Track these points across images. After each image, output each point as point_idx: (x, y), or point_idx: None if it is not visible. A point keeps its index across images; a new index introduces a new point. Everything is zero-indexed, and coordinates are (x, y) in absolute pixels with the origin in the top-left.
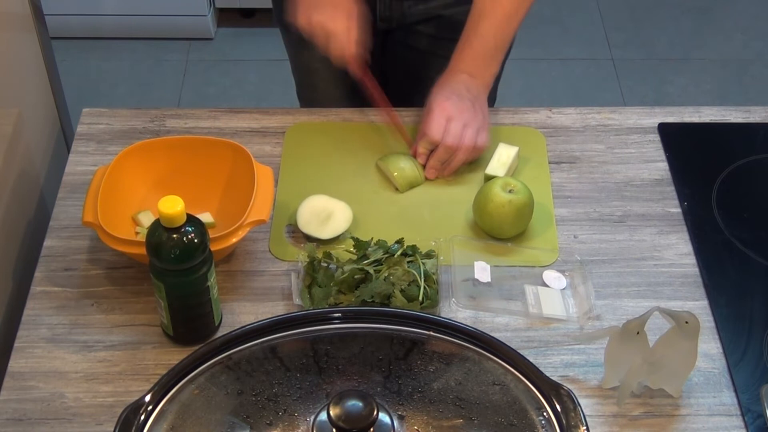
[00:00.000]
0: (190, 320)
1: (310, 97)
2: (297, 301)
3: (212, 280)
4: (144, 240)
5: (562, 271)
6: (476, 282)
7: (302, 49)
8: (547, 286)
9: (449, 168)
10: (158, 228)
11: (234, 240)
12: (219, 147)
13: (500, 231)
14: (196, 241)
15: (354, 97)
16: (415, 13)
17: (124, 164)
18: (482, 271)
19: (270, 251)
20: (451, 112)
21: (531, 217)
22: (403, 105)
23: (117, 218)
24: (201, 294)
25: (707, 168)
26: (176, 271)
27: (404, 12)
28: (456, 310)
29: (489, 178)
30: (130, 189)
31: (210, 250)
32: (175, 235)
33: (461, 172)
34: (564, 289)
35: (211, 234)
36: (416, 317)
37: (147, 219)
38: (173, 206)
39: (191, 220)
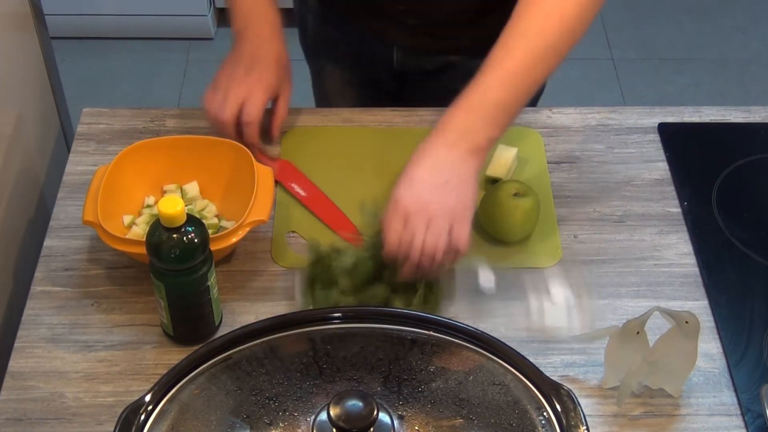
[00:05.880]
0: (190, 320)
1: None
2: (299, 298)
3: (212, 280)
4: (142, 237)
5: (568, 283)
6: (479, 289)
7: (323, 77)
8: (551, 296)
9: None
10: (158, 228)
11: (234, 240)
12: (219, 147)
13: (508, 235)
14: (196, 241)
15: None
16: (430, 63)
17: (125, 164)
18: (486, 279)
19: (272, 258)
20: (410, 207)
21: (537, 219)
22: None
23: (117, 218)
24: (201, 294)
25: (707, 168)
26: (176, 271)
27: (420, 62)
28: (456, 315)
29: (489, 180)
30: (130, 189)
31: (210, 249)
32: (175, 235)
33: None
34: (568, 301)
35: (211, 233)
36: (416, 317)
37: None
38: (173, 206)
39: (191, 219)
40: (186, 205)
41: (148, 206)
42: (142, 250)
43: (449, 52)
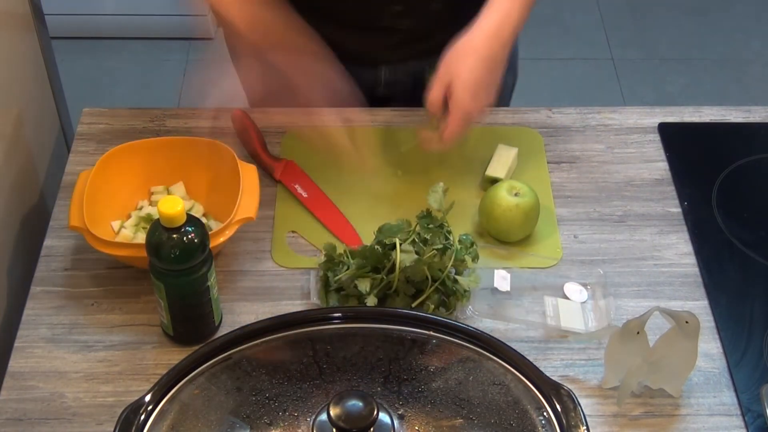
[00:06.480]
0: (190, 320)
1: None
2: (315, 300)
3: (212, 280)
4: (131, 240)
5: (584, 284)
6: (495, 290)
7: None
8: (567, 298)
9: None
10: (158, 228)
11: (222, 239)
12: (200, 147)
13: (507, 235)
14: (196, 241)
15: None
16: (419, 70)
17: (107, 168)
18: (502, 280)
19: (272, 258)
20: (472, 112)
21: (537, 219)
22: None
23: (105, 222)
24: (201, 294)
25: (707, 168)
26: (176, 271)
27: (408, 71)
28: (472, 317)
29: (489, 180)
30: (115, 193)
31: (210, 249)
32: (175, 235)
33: (461, 173)
34: (584, 302)
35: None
36: (416, 317)
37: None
38: (173, 206)
39: (191, 219)
40: None
41: (140, 209)
42: (131, 252)
43: (440, 50)
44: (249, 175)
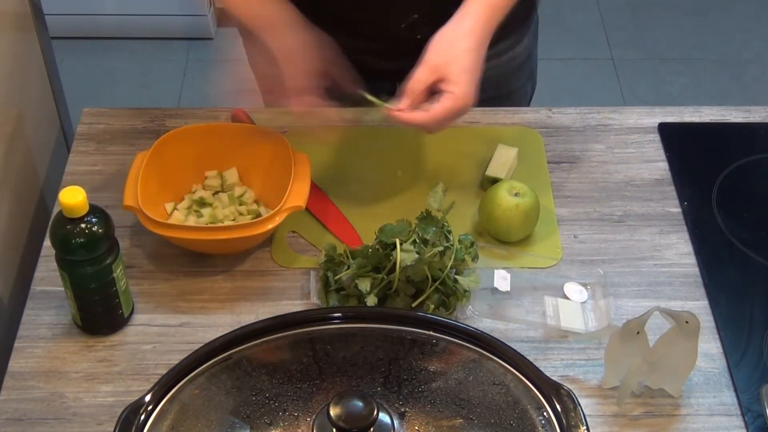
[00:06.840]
0: (97, 311)
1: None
2: (315, 300)
3: (119, 271)
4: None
5: (584, 284)
6: (495, 290)
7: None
8: (567, 298)
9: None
10: (61, 218)
11: (270, 226)
12: (257, 134)
13: (508, 235)
14: (100, 231)
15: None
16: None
17: (164, 150)
18: (502, 280)
19: (272, 258)
20: (468, 101)
21: (537, 219)
22: None
23: (158, 204)
24: (107, 285)
25: (707, 168)
26: (80, 262)
27: None
28: (472, 317)
29: (489, 180)
30: (170, 175)
31: (116, 240)
32: (77, 226)
33: (461, 173)
34: (584, 302)
35: (250, 218)
36: (416, 317)
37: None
38: (74, 196)
39: (95, 210)
40: (225, 191)
41: (194, 192)
42: (181, 234)
43: None
44: (301, 164)
